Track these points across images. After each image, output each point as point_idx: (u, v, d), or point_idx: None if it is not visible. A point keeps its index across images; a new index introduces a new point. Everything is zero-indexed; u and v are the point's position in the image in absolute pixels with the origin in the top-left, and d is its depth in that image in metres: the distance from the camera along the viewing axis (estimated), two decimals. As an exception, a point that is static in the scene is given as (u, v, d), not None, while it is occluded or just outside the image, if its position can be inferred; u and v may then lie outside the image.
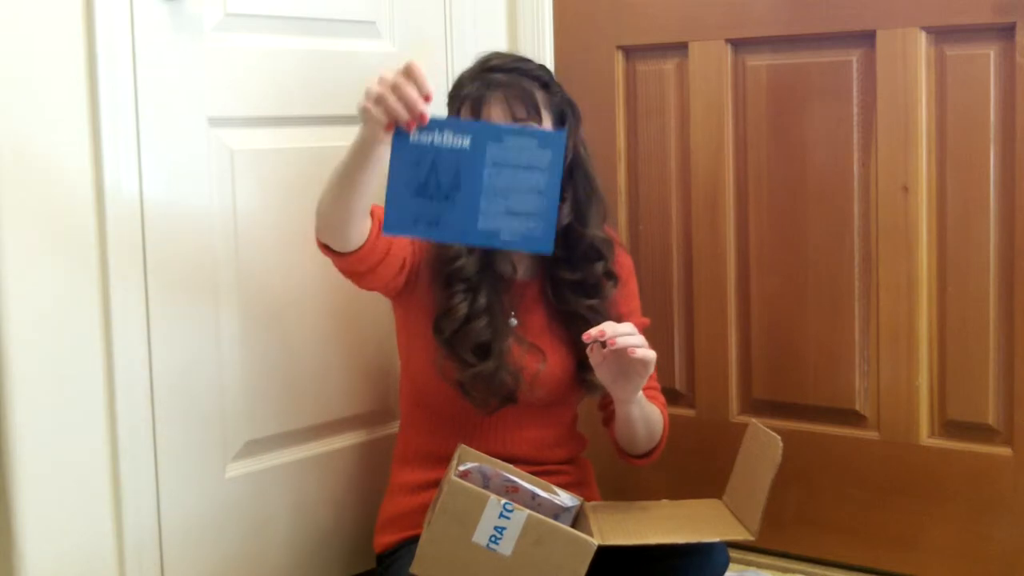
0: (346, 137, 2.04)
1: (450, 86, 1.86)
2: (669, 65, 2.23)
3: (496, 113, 1.74)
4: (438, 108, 1.84)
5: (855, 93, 2.04)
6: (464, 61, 1.85)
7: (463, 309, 1.76)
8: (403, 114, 1.47)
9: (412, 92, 1.47)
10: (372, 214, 1.67)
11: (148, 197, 1.76)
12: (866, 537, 2.10)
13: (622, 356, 1.67)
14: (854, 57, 2.04)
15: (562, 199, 1.76)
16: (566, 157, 1.72)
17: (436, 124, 1.50)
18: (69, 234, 1.68)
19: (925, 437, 2.04)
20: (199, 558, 1.86)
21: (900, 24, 1.98)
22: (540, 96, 1.77)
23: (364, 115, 1.50)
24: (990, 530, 1.98)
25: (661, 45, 2.23)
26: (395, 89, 1.47)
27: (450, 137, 1.49)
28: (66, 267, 1.68)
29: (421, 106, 1.47)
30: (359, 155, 1.55)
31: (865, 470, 2.09)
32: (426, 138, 1.49)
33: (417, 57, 1.53)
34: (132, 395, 1.75)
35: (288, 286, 1.94)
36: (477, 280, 1.78)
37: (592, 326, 1.73)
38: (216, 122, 1.85)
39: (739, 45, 2.15)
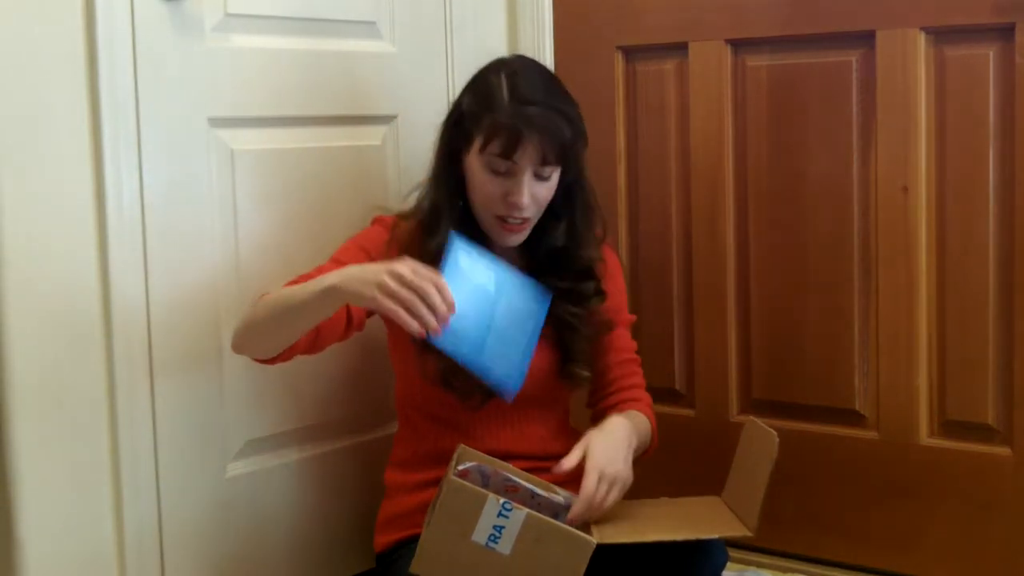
0: (346, 137, 2.05)
1: (450, 90, 1.84)
2: (669, 65, 2.23)
3: (528, 154, 1.70)
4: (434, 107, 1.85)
5: (855, 93, 2.04)
6: (464, 62, 1.86)
7: None
8: (431, 321, 1.49)
9: (439, 303, 1.49)
10: None
11: (148, 197, 1.76)
12: (866, 537, 2.10)
13: None
14: (854, 57, 2.04)
15: (558, 219, 1.79)
16: (571, 178, 1.78)
17: (478, 258, 1.59)
18: (68, 233, 1.69)
19: (925, 437, 2.04)
20: (199, 558, 1.87)
21: (900, 24, 1.98)
22: (567, 137, 1.73)
23: (387, 308, 1.50)
24: (990, 530, 1.98)
25: (661, 45, 2.23)
26: (422, 296, 1.49)
27: (482, 271, 1.59)
28: (65, 265, 1.69)
29: (445, 311, 1.50)
30: (332, 304, 1.60)
31: (865, 470, 2.09)
32: (465, 262, 1.58)
33: None
34: (132, 395, 1.76)
35: (288, 286, 1.94)
36: None
37: (576, 330, 1.77)
38: (216, 122, 1.85)
39: (739, 45, 2.16)
